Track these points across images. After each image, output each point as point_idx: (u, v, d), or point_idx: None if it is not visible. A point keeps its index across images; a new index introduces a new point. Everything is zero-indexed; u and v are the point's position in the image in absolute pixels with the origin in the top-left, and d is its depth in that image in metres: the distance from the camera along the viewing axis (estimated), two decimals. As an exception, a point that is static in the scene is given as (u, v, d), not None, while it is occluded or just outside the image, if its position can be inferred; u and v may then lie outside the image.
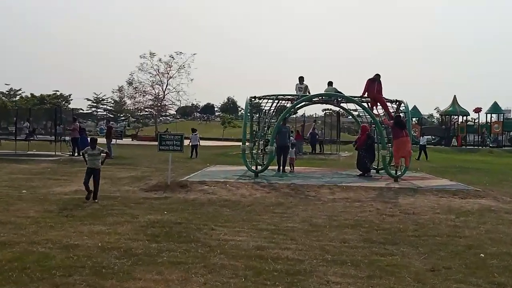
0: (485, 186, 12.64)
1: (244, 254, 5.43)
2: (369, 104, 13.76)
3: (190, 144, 21.89)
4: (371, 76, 13.33)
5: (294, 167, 14.73)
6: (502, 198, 10.64)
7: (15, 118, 23.57)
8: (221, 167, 16.11)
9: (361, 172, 13.88)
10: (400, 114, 13.77)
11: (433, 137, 42.80)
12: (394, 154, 12.72)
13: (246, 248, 5.62)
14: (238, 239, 5.89)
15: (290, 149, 14.55)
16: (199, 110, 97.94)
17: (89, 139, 11.21)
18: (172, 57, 46.77)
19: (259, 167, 13.87)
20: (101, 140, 17.90)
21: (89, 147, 9.40)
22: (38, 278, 4.42)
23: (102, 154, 9.47)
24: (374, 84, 13.19)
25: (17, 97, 55.64)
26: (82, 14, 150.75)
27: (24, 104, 38.87)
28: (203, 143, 33.21)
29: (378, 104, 13.76)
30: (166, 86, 47.28)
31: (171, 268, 4.88)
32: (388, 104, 13.97)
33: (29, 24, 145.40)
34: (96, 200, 8.72)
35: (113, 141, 21.28)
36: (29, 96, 53.56)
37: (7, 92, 57.65)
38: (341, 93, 14.18)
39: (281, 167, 14.24)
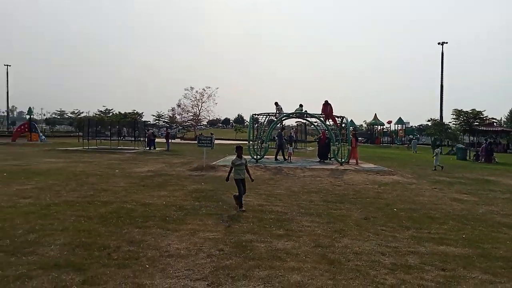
0: (395, 168, 18.96)
1: (252, 208, 8.49)
2: (322, 118, 21.28)
3: None
4: (325, 100, 20.97)
5: (291, 158, 21.21)
6: (406, 175, 16.17)
7: (109, 127, 39.08)
8: (235, 156, 22.52)
9: (320, 159, 21.08)
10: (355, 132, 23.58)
11: (362, 138, 63.49)
12: (355, 153, 20.53)
13: (252, 205, 8.64)
14: (247, 200, 9.00)
15: (289, 146, 22.34)
16: (220, 122, 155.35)
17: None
18: (204, 90, 75.50)
19: (258, 157, 20.59)
20: (162, 140, 36.61)
21: (235, 157, 8.88)
22: (128, 223, 7.17)
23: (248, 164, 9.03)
24: (327, 107, 20.78)
25: (110, 114, 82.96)
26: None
27: (114, 118, 58.88)
28: (223, 142, 55.00)
29: (329, 118, 21.58)
30: (200, 107, 76.30)
31: (208, 217, 7.79)
32: (337, 118, 21.91)
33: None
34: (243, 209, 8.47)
35: (170, 140, 33.60)
36: (117, 113, 78.54)
37: (104, 110, 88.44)
38: (306, 111, 21.82)
39: (277, 157, 21.32)
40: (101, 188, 10.97)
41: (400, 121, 67.81)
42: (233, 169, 8.75)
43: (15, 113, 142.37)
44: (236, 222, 7.52)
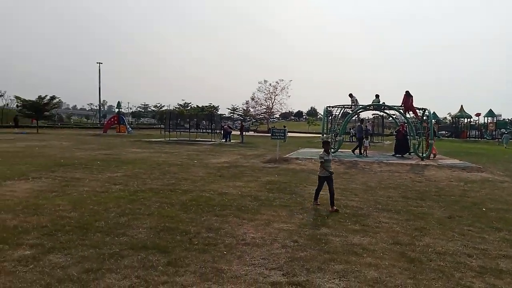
0: (484, 164, 17.45)
1: (326, 202, 8.39)
2: (402, 110, 20.01)
3: None
4: (405, 91, 19.69)
5: (367, 152, 20.40)
6: (496, 173, 14.69)
7: (188, 120, 40.33)
8: (308, 149, 23.48)
9: (399, 154, 20.03)
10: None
11: (446, 132, 62.35)
12: (434, 147, 19.19)
13: (327, 199, 8.54)
14: (321, 194, 8.74)
15: (365, 139, 20.74)
16: (293, 114, 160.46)
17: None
18: (277, 82, 77.28)
19: (332, 150, 19.68)
20: (236, 132, 37.10)
21: (323, 152, 8.27)
22: (206, 211, 7.55)
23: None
24: (409, 99, 19.45)
25: (189, 107, 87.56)
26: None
27: (192, 111, 63.46)
28: (295, 135, 55.30)
29: (410, 110, 20.10)
30: (274, 100, 78.20)
31: (282, 209, 7.90)
32: (418, 110, 20.51)
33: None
34: (335, 208, 7.92)
35: (244, 133, 35.10)
36: (195, 106, 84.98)
37: (183, 104, 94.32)
38: (384, 103, 20.60)
39: (355, 151, 20.80)
40: (182, 177, 11.60)
41: (490, 113, 61.75)
42: (323, 164, 8.17)
43: (105, 106, 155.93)
44: (310, 215, 7.50)
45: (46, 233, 5.88)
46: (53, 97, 43.70)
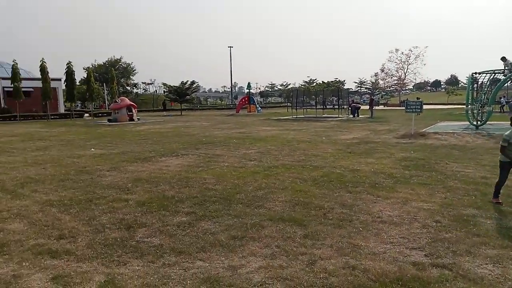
0: None
1: (472, 181, 7.59)
2: None
3: None
4: None
5: None
6: None
7: (314, 96, 39.38)
8: (448, 122, 22.12)
9: None
10: None
11: None
12: None
13: (473, 177, 7.74)
14: (466, 171, 8.04)
15: None
16: (429, 84, 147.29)
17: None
18: (411, 50, 69.66)
19: (479, 122, 18.67)
20: (365, 107, 36.40)
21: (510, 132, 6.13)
22: (338, 187, 7.58)
23: None
24: None
25: (314, 84, 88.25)
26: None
27: (318, 88, 65.45)
28: (432, 107, 50.42)
29: None
30: (406, 70, 70.92)
31: (420, 187, 7.44)
32: None
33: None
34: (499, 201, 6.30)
35: (373, 107, 33.25)
36: (321, 82, 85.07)
37: (308, 81, 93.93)
38: None
39: None
40: (311, 153, 11.77)
41: None
42: (505, 148, 6.25)
43: (236, 88, 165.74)
44: (454, 194, 6.87)
45: (197, 202, 6.67)
46: (193, 82, 48.37)
